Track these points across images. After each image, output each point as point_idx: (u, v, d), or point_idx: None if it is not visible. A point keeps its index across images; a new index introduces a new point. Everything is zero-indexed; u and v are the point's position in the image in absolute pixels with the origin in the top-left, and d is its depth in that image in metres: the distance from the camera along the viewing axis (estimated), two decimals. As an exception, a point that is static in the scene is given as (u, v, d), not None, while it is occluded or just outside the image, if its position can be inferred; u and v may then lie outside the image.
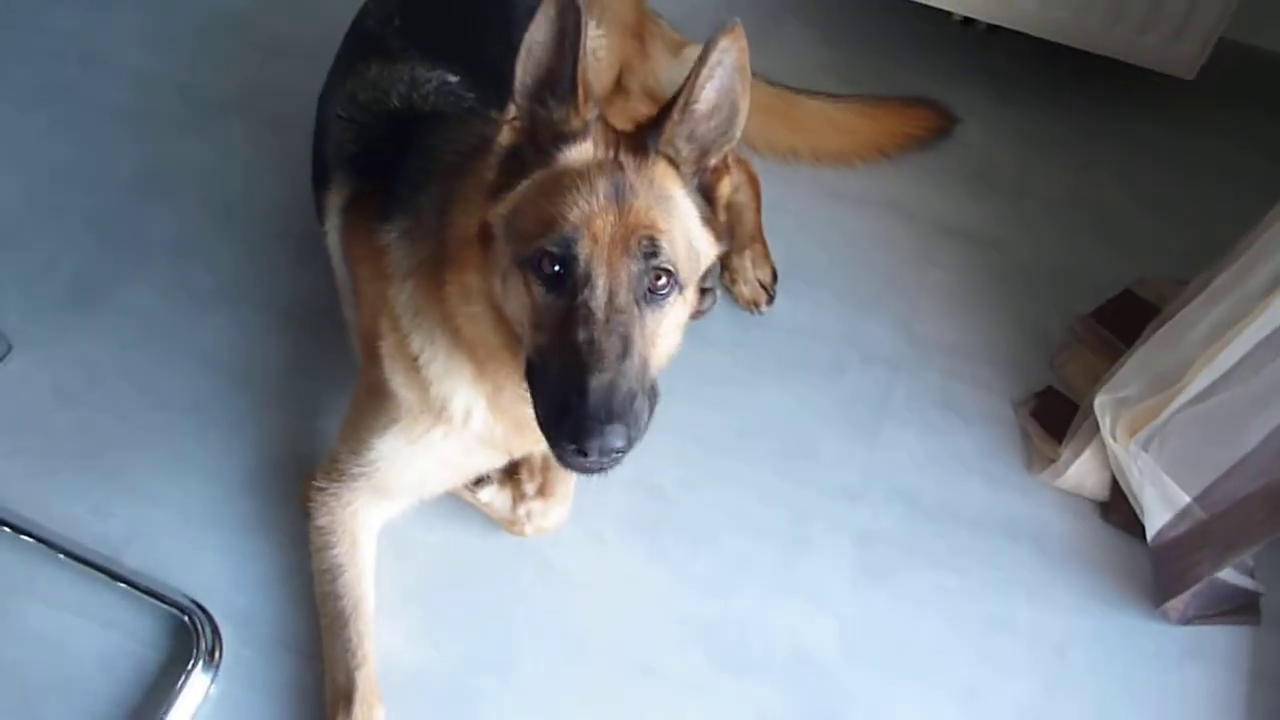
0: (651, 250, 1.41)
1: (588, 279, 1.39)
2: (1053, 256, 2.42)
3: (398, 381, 1.72)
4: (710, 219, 1.52)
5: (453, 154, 1.69)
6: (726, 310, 2.31)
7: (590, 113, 1.45)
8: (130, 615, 1.87)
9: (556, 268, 1.40)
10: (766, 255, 2.34)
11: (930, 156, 2.57)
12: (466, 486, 1.93)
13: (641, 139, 1.47)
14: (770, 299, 2.31)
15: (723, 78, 1.44)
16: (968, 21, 2.68)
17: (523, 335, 1.48)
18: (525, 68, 1.42)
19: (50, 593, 1.88)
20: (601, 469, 1.40)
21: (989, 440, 2.16)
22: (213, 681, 1.80)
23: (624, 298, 1.40)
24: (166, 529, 1.96)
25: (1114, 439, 1.89)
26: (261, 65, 2.65)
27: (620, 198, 1.41)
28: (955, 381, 2.24)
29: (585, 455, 1.37)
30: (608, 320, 1.39)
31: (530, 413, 1.59)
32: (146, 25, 2.73)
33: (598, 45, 2.17)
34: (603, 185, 1.41)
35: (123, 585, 1.87)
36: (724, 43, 1.40)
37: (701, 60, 1.40)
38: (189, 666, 1.78)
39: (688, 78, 1.42)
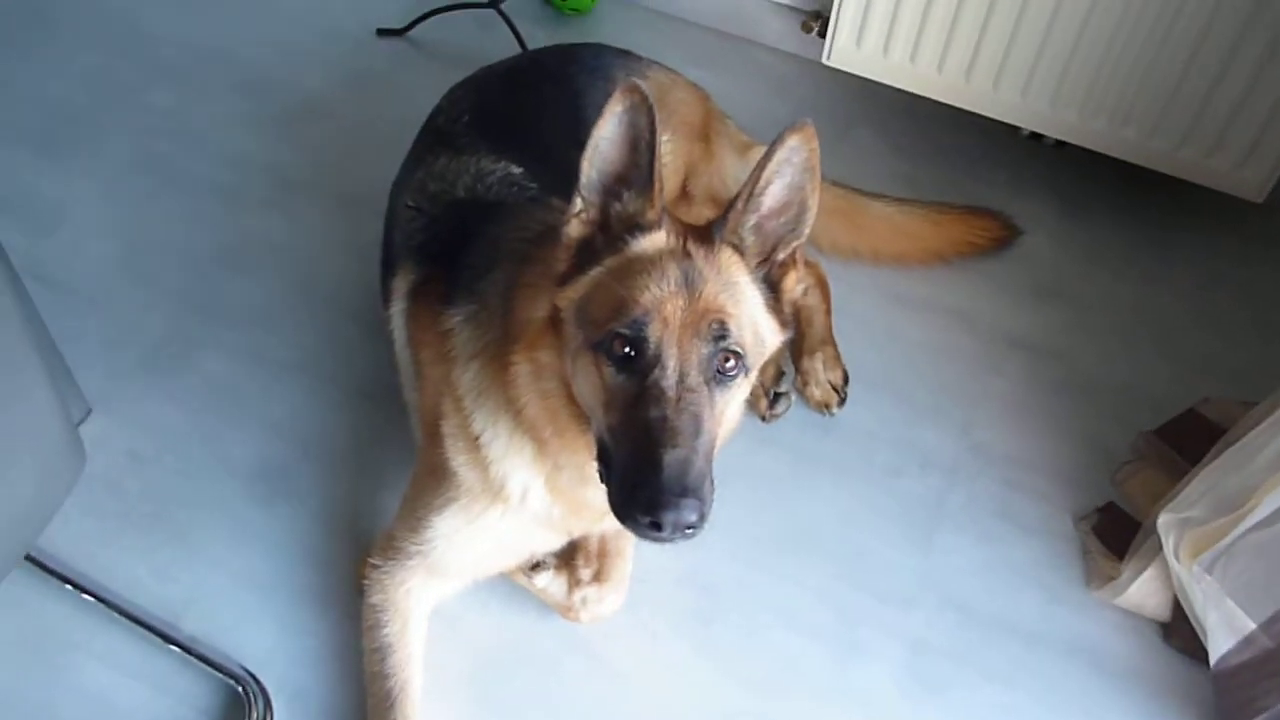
0: (721, 333, 1.45)
1: (659, 360, 1.43)
2: (1115, 371, 2.42)
3: (459, 461, 1.75)
4: (774, 307, 1.56)
5: (517, 241, 1.75)
6: (790, 410, 2.32)
7: (662, 205, 1.50)
8: (185, 681, 1.88)
9: (628, 349, 1.44)
10: (837, 357, 2.36)
11: (995, 266, 2.59)
12: (523, 571, 1.95)
13: (708, 230, 1.52)
14: (842, 400, 2.33)
15: (792, 175, 1.48)
16: (1036, 136, 2.71)
17: (592, 416, 1.51)
18: (593, 163, 1.48)
19: (107, 653, 1.90)
20: (673, 540, 1.42)
21: (1047, 553, 2.13)
22: (261, 753, 1.81)
23: (695, 378, 1.44)
24: (226, 596, 1.99)
25: (1177, 559, 1.85)
26: (343, 152, 2.76)
27: (690, 283, 1.45)
28: (1014, 492, 2.22)
29: (660, 529, 1.39)
30: (679, 399, 1.42)
31: (588, 494, 1.62)
32: (239, 107, 2.86)
33: (664, 153, 2.23)
34: (673, 271, 1.45)
35: (178, 650, 1.89)
36: (794, 141, 1.45)
37: (768, 155, 1.45)
38: (240, 735, 1.79)
39: (754, 170, 1.47)
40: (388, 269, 2.04)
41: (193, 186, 2.67)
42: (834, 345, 2.38)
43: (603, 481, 1.50)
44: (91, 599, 1.95)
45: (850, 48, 2.60)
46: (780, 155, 1.45)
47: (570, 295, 1.52)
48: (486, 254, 1.80)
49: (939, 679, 1.97)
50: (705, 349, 1.45)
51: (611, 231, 1.51)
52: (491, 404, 1.70)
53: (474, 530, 1.79)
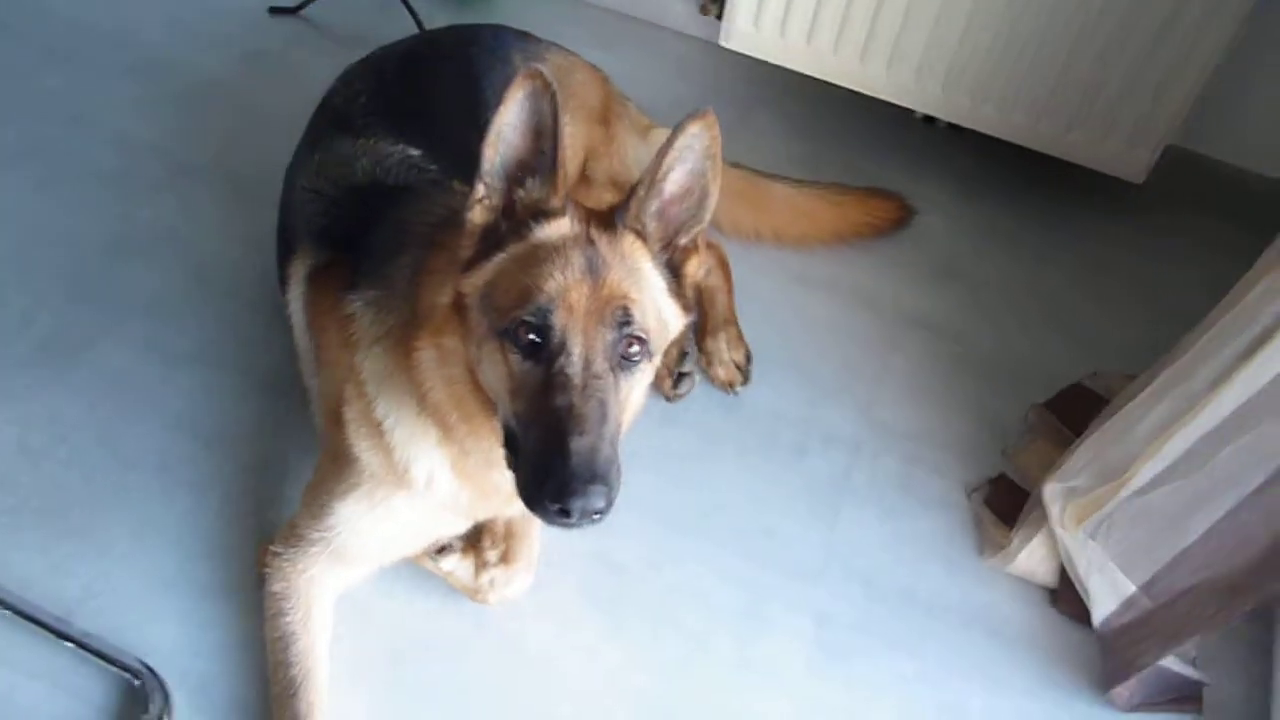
0: (625, 319, 1.46)
1: (564, 347, 1.44)
2: (1009, 348, 2.50)
3: (361, 447, 1.74)
4: (677, 291, 1.58)
5: (420, 225, 1.74)
6: (694, 391, 2.35)
7: (564, 191, 1.50)
8: (80, 677, 1.84)
9: (533, 337, 1.45)
10: (740, 337, 2.40)
11: (893, 246, 2.65)
12: (429, 555, 1.94)
13: (611, 216, 1.53)
14: (745, 379, 2.37)
15: (693, 162, 1.50)
16: (930, 120, 2.78)
17: (499, 403, 1.52)
18: (495, 149, 1.48)
19: (1, 651, 1.85)
20: (580, 526, 1.43)
21: (946, 525, 2.20)
22: (163, 747, 1.77)
23: (600, 365, 1.45)
24: (125, 590, 1.94)
25: (1062, 527, 1.93)
26: (238, 133, 2.70)
27: (594, 270, 1.46)
28: (914, 466, 2.28)
29: (568, 515, 1.40)
30: (585, 386, 1.43)
31: (495, 478, 1.63)
32: (130, 90, 2.78)
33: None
34: (577, 258, 1.46)
35: (73, 646, 1.85)
36: (695, 128, 1.46)
37: (670, 143, 1.46)
38: (138, 728, 1.76)
39: (655, 157, 1.48)
40: (284, 253, 2.01)
41: (83, 173, 2.59)
42: (736, 325, 2.41)
43: (510, 468, 1.51)
44: (-16, 599, 1.89)
45: (748, 30, 2.64)
46: (682, 142, 1.46)
47: (475, 282, 1.52)
48: (389, 238, 1.79)
49: (845, 650, 2.02)
50: (610, 335, 1.46)
51: (515, 217, 1.52)
52: (395, 389, 1.69)
53: (378, 516, 1.78)
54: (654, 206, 1.53)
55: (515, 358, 1.46)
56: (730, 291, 2.44)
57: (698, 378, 2.35)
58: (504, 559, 1.94)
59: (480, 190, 1.51)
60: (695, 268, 1.60)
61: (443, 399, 1.62)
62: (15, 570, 1.94)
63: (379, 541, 1.84)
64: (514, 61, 2.21)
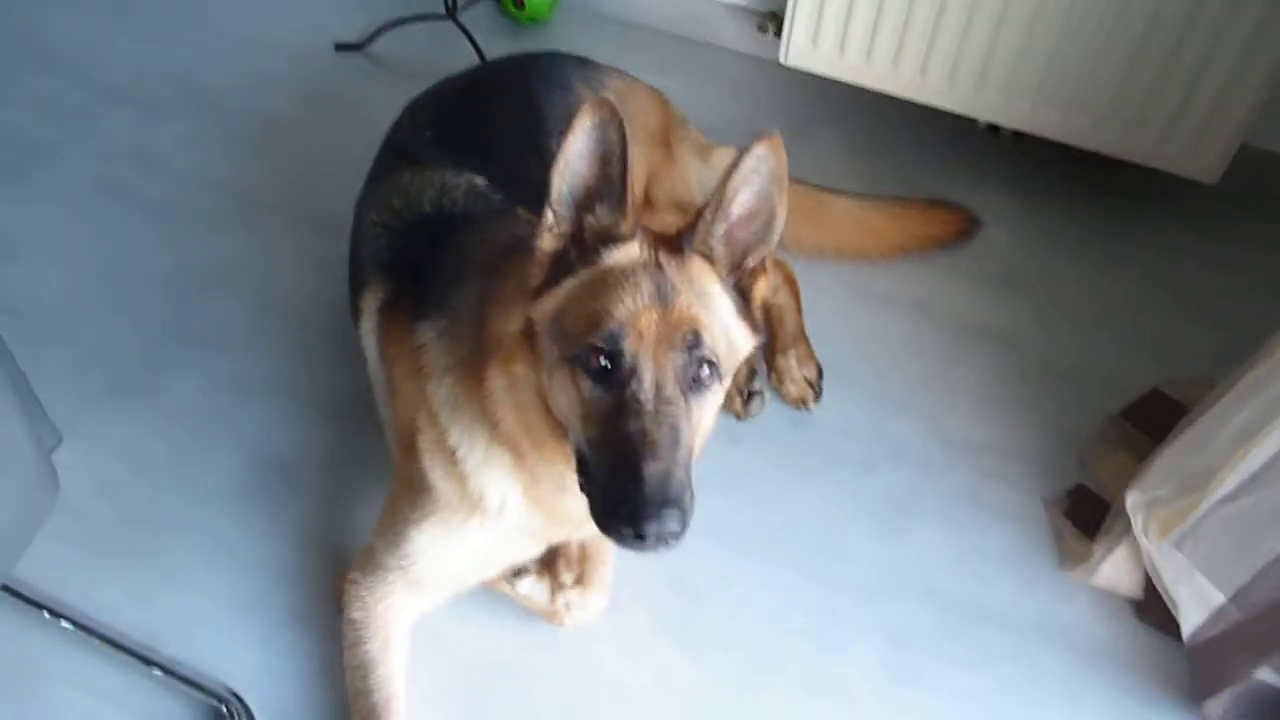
0: (695, 343, 1.46)
1: (635, 372, 1.44)
2: (1079, 357, 2.45)
3: (435, 475, 1.75)
4: (745, 313, 1.58)
5: (487, 254, 1.76)
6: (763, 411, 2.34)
7: (634, 218, 1.51)
8: (166, 705, 1.87)
9: (604, 362, 1.45)
10: (810, 353, 2.39)
11: (956, 258, 2.62)
12: (504, 579, 1.95)
13: (678, 240, 1.53)
14: (818, 395, 2.36)
15: (760, 184, 1.50)
16: (993, 129, 2.75)
17: (570, 429, 1.52)
18: (564, 177, 1.48)
19: (85, 680, 1.89)
20: (655, 549, 1.44)
21: (1020, 538, 2.16)
22: (246, 773, 1.80)
23: (671, 389, 1.45)
24: (205, 618, 1.98)
25: (1147, 537, 1.89)
26: (307, 170, 2.76)
27: (663, 295, 1.46)
28: (985, 480, 2.25)
29: (643, 539, 1.41)
30: (657, 411, 1.43)
31: (567, 502, 1.63)
32: (199, 129, 2.85)
33: None
34: (646, 284, 1.46)
35: (159, 673, 1.88)
36: (761, 150, 1.46)
37: (736, 165, 1.46)
38: (223, 757, 1.79)
39: (721, 180, 1.48)
40: (356, 286, 2.04)
41: (155, 209, 2.65)
42: (806, 342, 2.40)
43: (583, 492, 1.51)
44: (69, 626, 1.93)
45: (806, 47, 2.63)
46: (748, 164, 1.46)
47: (544, 309, 1.52)
48: (456, 268, 1.81)
49: (919, 669, 1.99)
50: (680, 359, 1.46)
51: (584, 244, 1.52)
52: (467, 417, 1.70)
53: (453, 542, 1.79)
54: (721, 230, 1.52)
55: (587, 383, 1.46)
56: (799, 309, 2.43)
57: (768, 397, 2.34)
58: (579, 581, 1.94)
59: (549, 218, 1.51)
60: (763, 290, 1.60)
61: (514, 426, 1.63)
62: (97, 600, 1.98)
63: (454, 568, 1.85)
64: (575, 88, 2.23)
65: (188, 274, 2.52)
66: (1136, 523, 1.90)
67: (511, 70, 2.33)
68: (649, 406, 1.43)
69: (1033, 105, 2.54)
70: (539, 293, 1.53)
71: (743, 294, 1.57)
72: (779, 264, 2.43)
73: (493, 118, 2.17)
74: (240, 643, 1.96)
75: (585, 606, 1.95)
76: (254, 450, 2.21)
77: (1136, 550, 1.95)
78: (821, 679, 1.97)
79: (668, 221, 2.25)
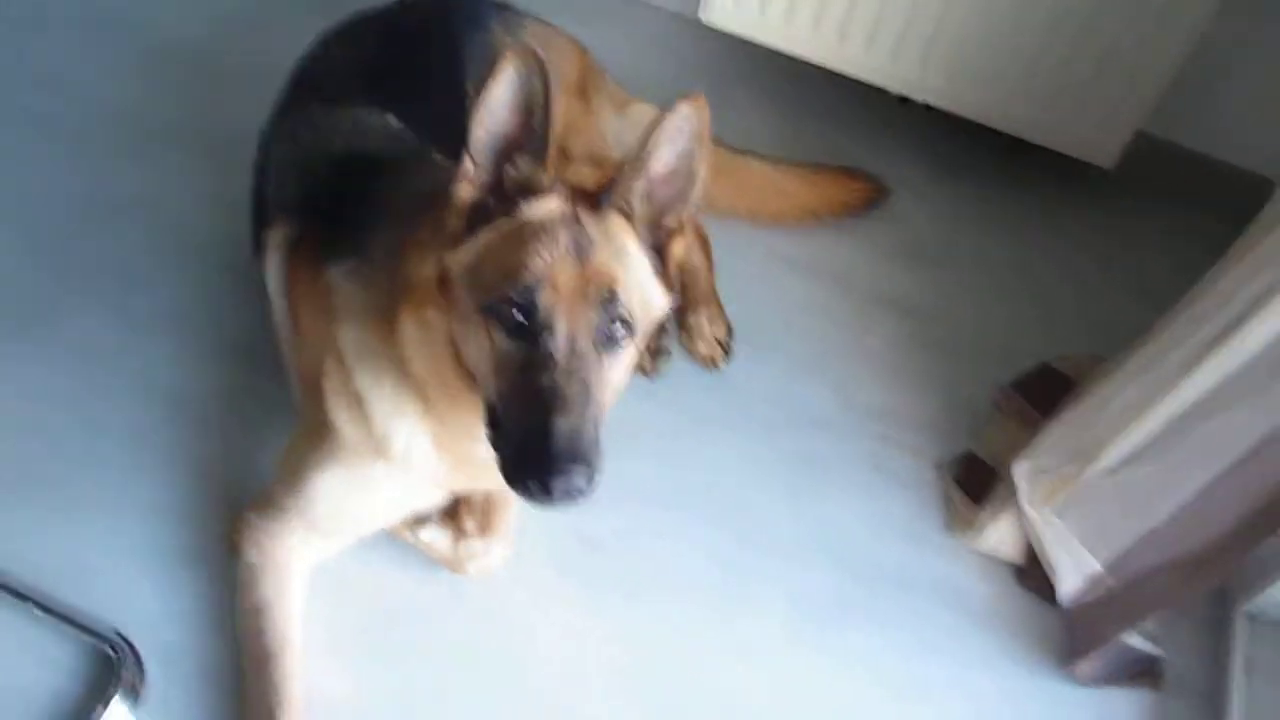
0: (610, 300, 1.46)
1: (549, 326, 1.44)
2: (980, 329, 2.53)
3: (340, 418, 1.73)
4: (661, 273, 1.58)
5: (402, 198, 1.73)
6: (671, 368, 2.36)
7: (553, 171, 1.50)
8: (51, 645, 1.82)
9: (518, 315, 1.44)
10: (721, 313, 2.42)
11: (868, 226, 2.67)
12: (407, 526, 1.94)
13: (597, 195, 1.52)
14: (727, 354, 2.39)
15: (682, 144, 1.50)
16: (905, 100, 2.80)
17: (481, 380, 1.51)
18: (484, 125, 1.46)
19: (-32, 619, 1.84)
20: (561, 505, 1.45)
21: (917, 503, 2.23)
22: (132, 715, 1.76)
23: (584, 345, 1.46)
24: (97, 559, 1.93)
25: (1030, 505, 1.97)
26: (209, 95, 2.66)
27: (580, 250, 1.46)
28: (885, 445, 2.31)
29: (550, 494, 1.41)
30: (569, 366, 1.43)
31: (475, 450, 1.62)
32: (94, 47, 2.72)
33: None
34: (564, 238, 1.46)
35: (41, 614, 1.83)
36: (685, 110, 1.46)
37: (659, 124, 1.46)
38: (106, 698, 1.75)
39: (642, 137, 1.48)
40: (259, 223, 1.99)
41: (49, 134, 2.53)
42: (717, 301, 2.43)
43: (492, 445, 1.50)
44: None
45: (727, 6, 2.63)
46: (672, 123, 1.46)
47: (461, 258, 1.51)
48: (369, 210, 1.77)
49: (818, 624, 2.05)
50: (595, 316, 1.46)
51: (503, 195, 1.51)
52: (375, 361, 1.68)
53: (355, 487, 1.78)
54: (640, 187, 1.52)
55: (500, 335, 1.46)
56: (711, 268, 2.45)
57: (674, 353, 2.35)
58: (482, 529, 1.94)
59: (468, 166, 1.50)
60: (680, 250, 1.60)
61: (424, 372, 1.61)
62: (-13, 541, 1.92)
63: (356, 513, 1.84)
64: (493, 30, 2.19)
65: (85, 203, 2.42)
66: (1021, 490, 1.98)
67: (429, 7, 2.26)
68: (561, 361, 1.43)
69: (946, 81, 2.58)
70: (455, 241, 1.52)
71: (659, 253, 1.58)
72: (693, 222, 2.43)
73: (409, 56, 2.11)
74: (132, 585, 1.91)
75: (488, 555, 1.95)
76: (152, 388, 2.15)
77: (1020, 517, 2.03)
78: (724, 632, 2.01)
79: (583, 174, 2.24)
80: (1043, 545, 1.99)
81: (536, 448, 1.41)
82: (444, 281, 1.53)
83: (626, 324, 1.49)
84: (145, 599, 1.90)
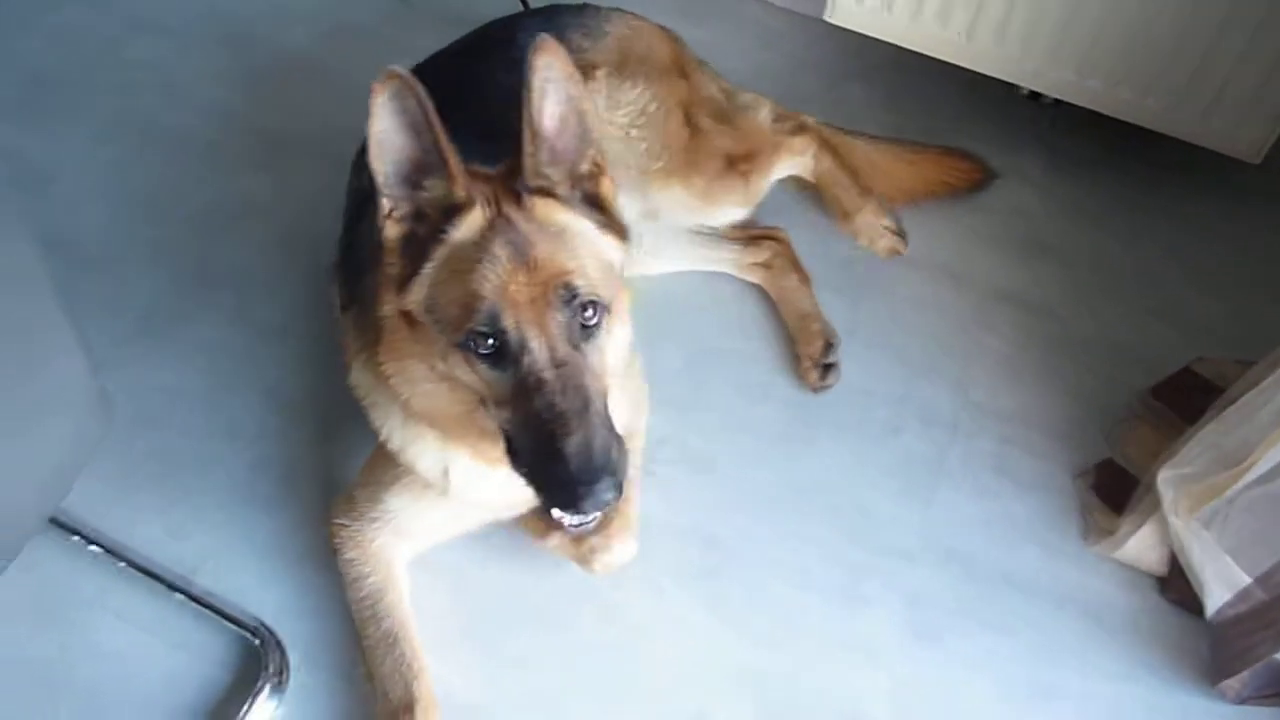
0: (570, 293, 1.46)
1: (523, 345, 1.44)
2: (1105, 329, 2.45)
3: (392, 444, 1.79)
4: (607, 223, 1.57)
5: (369, 238, 1.72)
6: (784, 370, 2.35)
7: (465, 179, 1.48)
8: (201, 636, 1.91)
9: (491, 342, 1.45)
10: (880, 205, 2.46)
11: (984, 221, 2.61)
12: (532, 529, 1.97)
13: (511, 184, 1.51)
14: (904, 239, 2.46)
15: (556, 91, 1.47)
16: (1034, 95, 2.73)
17: (487, 410, 1.53)
18: (381, 159, 1.45)
19: (124, 609, 1.92)
20: (597, 520, 1.50)
21: (1044, 508, 2.18)
22: (278, 705, 1.83)
23: (563, 349, 1.46)
24: (237, 554, 2.01)
25: (1175, 515, 1.90)
26: (331, 109, 2.72)
27: (522, 254, 1.45)
28: (1010, 448, 2.26)
29: (582, 512, 1.46)
30: (558, 379, 1.44)
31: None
32: (223, 61, 2.82)
33: (646, 102, 2.22)
34: (501, 249, 1.45)
35: (195, 605, 1.91)
36: (541, 60, 1.43)
37: (527, 85, 1.43)
38: (256, 689, 1.81)
39: (524, 110, 1.45)
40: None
41: (178, 143, 2.64)
42: (873, 197, 2.46)
43: (515, 470, 1.52)
44: (106, 554, 1.95)
45: (851, 3, 2.59)
46: (538, 78, 1.44)
47: (415, 299, 1.51)
48: (362, 250, 1.81)
49: (940, 628, 2.02)
50: (562, 316, 1.46)
51: (429, 221, 1.50)
52: (382, 400, 1.74)
53: (424, 507, 1.82)
54: (545, 156, 1.50)
55: (482, 368, 1.47)
56: (844, 166, 2.48)
57: (842, 369, 2.32)
58: (601, 527, 1.93)
59: (385, 204, 1.49)
60: (609, 190, 1.59)
61: (424, 408, 1.64)
62: (137, 532, 2.01)
63: (434, 525, 1.88)
64: (570, 39, 2.19)
65: (211, 211, 2.52)
66: (1166, 500, 1.91)
67: (503, 29, 2.27)
68: (547, 376, 1.43)
69: (1076, 74, 2.50)
70: (404, 283, 1.52)
71: (594, 203, 1.56)
72: (803, 127, 2.46)
73: (479, 78, 2.12)
74: (269, 579, 1.99)
75: (610, 551, 1.94)
76: (274, 391, 2.23)
77: (1163, 527, 1.96)
78: (844, 633, 2.00)
79: (723, 143, 2.29)
80: (1188, 557, 1.92)
81: (555, 475, 1.43)
82: (412, 322, 1.54)
83: (595, 304, 1.48)
84: (284, 593, 1.97)
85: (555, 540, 1.96)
